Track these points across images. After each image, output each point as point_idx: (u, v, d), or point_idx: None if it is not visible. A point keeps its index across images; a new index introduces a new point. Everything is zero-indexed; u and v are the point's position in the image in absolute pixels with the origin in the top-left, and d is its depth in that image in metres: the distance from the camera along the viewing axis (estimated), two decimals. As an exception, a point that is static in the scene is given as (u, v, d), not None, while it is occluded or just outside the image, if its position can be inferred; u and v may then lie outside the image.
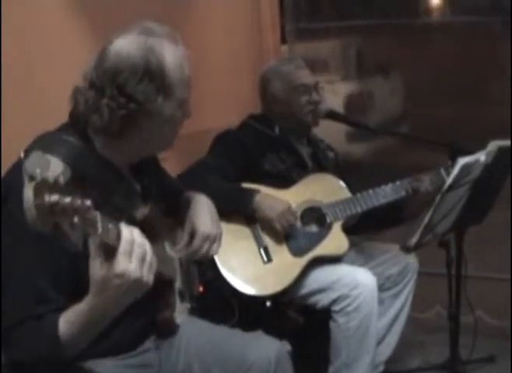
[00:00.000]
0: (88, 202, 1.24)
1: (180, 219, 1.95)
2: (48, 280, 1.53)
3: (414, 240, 2.31)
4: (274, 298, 2.52)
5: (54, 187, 1.17)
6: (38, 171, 1.16)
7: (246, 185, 2.62)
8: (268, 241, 2.58)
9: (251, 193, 2.56)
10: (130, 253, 1.36)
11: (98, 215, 1.29)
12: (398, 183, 2.66)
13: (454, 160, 2.37)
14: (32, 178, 1.15)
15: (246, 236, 2.58)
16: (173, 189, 2.05)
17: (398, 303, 2.73)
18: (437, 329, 3.06)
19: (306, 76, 2.82)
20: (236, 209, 2.56)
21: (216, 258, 2.47)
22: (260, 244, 2.57)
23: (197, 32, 3.37)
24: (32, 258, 1.52)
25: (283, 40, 4.04)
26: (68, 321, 1.48)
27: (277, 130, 2.80)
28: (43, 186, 1.15)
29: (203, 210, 1.95)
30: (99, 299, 1.41)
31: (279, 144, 2.77)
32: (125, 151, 1.70)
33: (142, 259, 1.39)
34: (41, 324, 1.50)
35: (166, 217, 1.87)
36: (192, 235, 1.90)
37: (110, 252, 1.36)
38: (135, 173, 1.80)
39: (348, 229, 2.72)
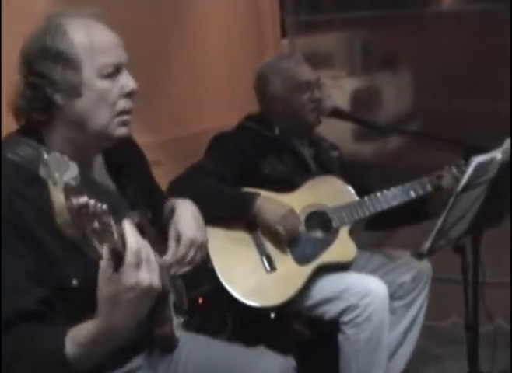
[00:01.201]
0: (104, 206, 1.22)
1: (165, 228, 1.87)
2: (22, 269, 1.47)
3: (427, 245, 2.19)
4: (278, 309, 2.44)
5: (75, 190, 1.17)
6: (57, 174, 1.16)
7: (246, 189, 2.54)
8: (270, 248, 2.50)
9: (252, 196, 2.48)
10: (139, 261, 1.31)
11: (112, 220, 1.26)
12: (407, 184, 2.58)
13: (467, 159, 2.28)
14: (54, 182, 1.15)
15: (247, 244, 2.50)
16: (158, 196, 1.98)
17: (411, 312, 2.63)
18: (454, 340, 2.96)
19: (307, 72, 2.72)
20: (236, 214, 2.49)
21: (216, 268, 2.42)
22: (262, 252, 2.49)
23: (194, 27, 3.35)
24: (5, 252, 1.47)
25: (283, 34, 4.00)
26: (76, 342, 1.39)
27: (277, 130, 2.71)
28: (68, 189, 1.16)
29: (187, 215, 1.87)
30: (111, 319, 1.35)
31: (280, 145, 2.69)
32: (64, 140, 1.62)
33: (148, 262, 1.33)
34: (42, 342, 1.42)
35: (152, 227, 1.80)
36: (178, 241, 1.83)
37: (117, 261, 1.29)
38: (112, 172, 1.74)
39: (367, 225, 2.68)
